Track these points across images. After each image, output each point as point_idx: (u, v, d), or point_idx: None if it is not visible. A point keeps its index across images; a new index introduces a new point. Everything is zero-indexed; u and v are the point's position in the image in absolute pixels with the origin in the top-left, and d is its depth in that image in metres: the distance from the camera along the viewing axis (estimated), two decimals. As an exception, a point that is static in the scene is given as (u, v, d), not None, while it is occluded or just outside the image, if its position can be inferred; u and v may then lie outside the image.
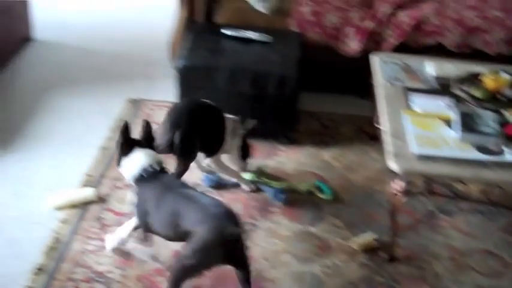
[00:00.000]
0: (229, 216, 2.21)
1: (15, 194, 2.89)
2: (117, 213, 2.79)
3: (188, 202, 2.24)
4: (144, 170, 2.36)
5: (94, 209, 2.81)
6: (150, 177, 2.35)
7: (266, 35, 3.52)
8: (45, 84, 3.88)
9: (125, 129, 2.39)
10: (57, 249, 2.57)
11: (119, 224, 2.70)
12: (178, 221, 2.22)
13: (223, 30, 3.53)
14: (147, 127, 2.45)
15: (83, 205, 2.83)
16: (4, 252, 2.54)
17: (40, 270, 2.47)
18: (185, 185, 2.39)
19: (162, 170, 2.41)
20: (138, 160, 2.37)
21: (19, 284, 2.40)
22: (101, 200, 2.87)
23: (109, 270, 2.49)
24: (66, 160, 3.17)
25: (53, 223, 2.71)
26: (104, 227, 2.71)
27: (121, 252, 2.56)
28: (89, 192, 2.89)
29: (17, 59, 4.15)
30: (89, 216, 2.76)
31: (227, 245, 2.14)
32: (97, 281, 2.44)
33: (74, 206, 2.81)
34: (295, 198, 2.97)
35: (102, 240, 2.61)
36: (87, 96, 3.79)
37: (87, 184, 2.98)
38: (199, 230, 2.14)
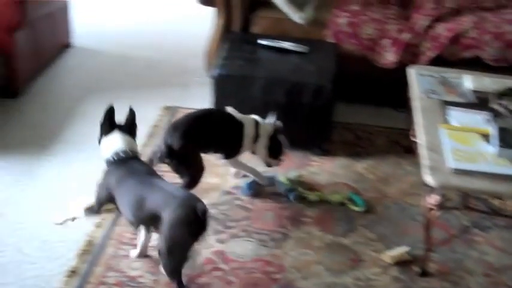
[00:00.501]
0: (194, 196, 2.34)
1: (51, 197, 2.93)
2: (150, 219, 2.81)
3: (152, 187, 2.33)
4: (116, 153, 2.46)
5: (127, 214, 2.84)
6: (120, 161, 2.45)
7: (302, 46, 3.52)
8: (82, 89, 3.94)
9: (110, 111, 2.53)
10: (90, 253, 2.60)
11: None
12: (143, 205, 2.31)
13: (259, 41, 3.55)
14: (131, 114, 2.56)
15: (117, 210, 2.85)
16: (38, 254, 2.57)
17: (73, 272, 2.49)
18: (151, 172, 2.47)
19: (135, 157, 2.49)
20: (113, 143, 2.49)
21: (52, 286, 2.43)
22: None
23: (141, 275, 2.50)
24: (101, 165, 3.20)
25: (87, 227, 2.74)
26: (136, 232, 2.72)
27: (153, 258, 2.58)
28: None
29: (56, 65, 4.23)
30: (122, 221, 2.78)
31: (198, 219, 2.23)
32: (129, 286, 2.45)
33: (107, 210, 2.83)
34: (328, 209, 2.96)
35: (135, 245, 2.63)
36: (123, 102, 3.81)
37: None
38: (168, 210, 2.24)
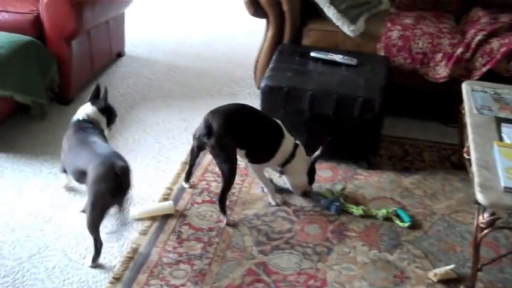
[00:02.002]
0: (117, 155, 2.50)
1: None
2: (194, 228, 2.82)
3: (85, 146, 2.57)
4: (77, 118, 2.77)
5: (172, 222, 2.86)
6: (77, 124, 2.74)
7: (352, 58, 3.49)
8: (133, 97, 4.00)
9: (95, 90, 2.88)
10: (134, 260, 2.62)
11: (195, 238, 2.74)
12: (75, 161, 2.57)
13: (311, 53, 3.53)
14: (96, 90, 2.88)
15: (162, 218, 2.88)
16: (84, 260, 2.61)
17: (117, 279, 2.51)
18: (92, 133, 2.68)
19: (91, 124, 2.75)
20: (80, 110, 2.82)
21: (96, 291, 2.46)
22: (179, 213, 2.91)
23: (183, 284, 2.51)
24: (149, 173, 3.24)
25: (132, 234, 2.77)
26: (182, 241, 2.74)
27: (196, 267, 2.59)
28: (168, 206, 2.93)
29: (109, 73, 4.31)
30: (167, 229, 2.81)
31: (117, 177, 2.38)
32: (171, 294, 2.47)
33: (153, 218, 2.87)
34: (373, 223, 2.91)
35: (179, 254, 2.64)
36: (172, 110, 3.88)
37: (167, 197, 3.03)
38: (91, 167, 2.43)
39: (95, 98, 2.87)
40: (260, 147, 2.94)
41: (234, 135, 2.80)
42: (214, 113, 2.80)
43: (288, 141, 2.96)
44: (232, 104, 2.97)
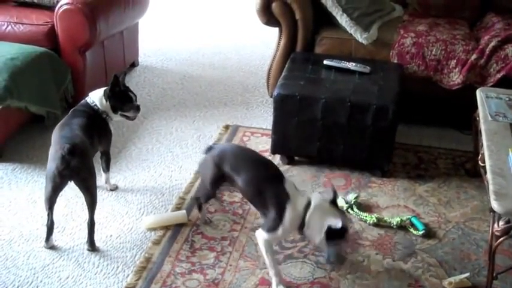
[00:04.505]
0: (72, 138, 2.64)
1: (112, 213, 2.99)
2: (206, 237, 2.82)
3: (57, 129, 2.76)
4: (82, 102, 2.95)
5: (185, 231, 2.86)
6: (72, 110, 2.91)
7: (365, 66, 3.48)
8: (147, 107, 4.01)
9: (114, 77, 2.93)
10: (147, 269, 2.62)
11: (208, 247, 2.73)
12: (56, 142, 2.70)
13: (324, 61, 3.52)
14: (115, 78, 2.92)
15: (175, 227, 2.88)
16: (96, 270, 2.62)
17: (130, 288, 2.52)
18: (76, 117, 2.80)
19: (90, 108, 2.89)
20: (90, 96, 2.95)
21: (110, 301, 2.47)
22: (192, 223, 2.91)
23: (196, 293, 2.51)
24: (162, 182, 3.25)
25: (146, 243, 2.77)
26: (194, 250, 2.74)
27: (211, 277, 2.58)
28: (181, 215, 2.93)
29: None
30: (180, 239, 2.81)
31: (63, 158, 2.52)
32: (184, 304, 2.47)
33: (166, 227, 2.87)
34: (387, 232, 2.89)
35: (192, 263, 2.64)
36: (185, 119, 3.89)
37: (180, 207, 3.03)
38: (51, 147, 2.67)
39: (111, 86, 2.93)
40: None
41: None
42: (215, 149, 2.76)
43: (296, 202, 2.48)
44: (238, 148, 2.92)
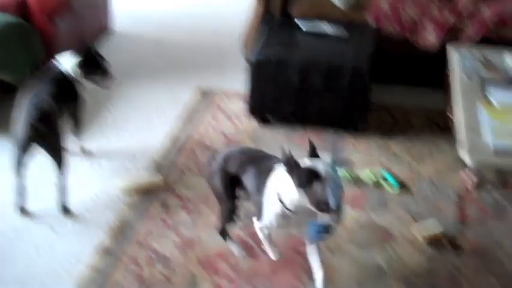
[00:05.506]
0: (36, 102, 2.64)
1: (87, 178, 2.97)
2: (181, 199, 2.81)
3: (29, 91, 2.74)
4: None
5: (160, 194, 2.84)
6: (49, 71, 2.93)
7: (341, 29, 3.45)
8: (121, 73, 3.94)
9: (86, 47, 3.00)
10: (122, 232, 2.61)
11: (183, 208, 2.73)
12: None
13: (297, 21, 3.48)
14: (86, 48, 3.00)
15: (150, 190, 2.87)
16: (72, 232, 2.61)
17: (105, 251, 2.51)
18: (47, 82, 2.80)
19: (64, 77, 2.90)
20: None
21: (84, 264, 2.45)
22: (167, 186, 2.90)
23: (171, 253, 2.50)
24: (137, 147, 3.22)
25: (120, 206, 2.76)
26: (169, 212, 2.73)
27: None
28: (156, 178, 2.92)
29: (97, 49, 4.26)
30: (155, 202, 2.79)
31: (27, 122, 2.55)
32: (159, 263, 2.46)
33: (141, 191, 2.85)
34: (361, 188, 2.91)
35: (167, 224, 2.63)
36: (160, 85, 3.85)
37: (155, 170, 3.02)
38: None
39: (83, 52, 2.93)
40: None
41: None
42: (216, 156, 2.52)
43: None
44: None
